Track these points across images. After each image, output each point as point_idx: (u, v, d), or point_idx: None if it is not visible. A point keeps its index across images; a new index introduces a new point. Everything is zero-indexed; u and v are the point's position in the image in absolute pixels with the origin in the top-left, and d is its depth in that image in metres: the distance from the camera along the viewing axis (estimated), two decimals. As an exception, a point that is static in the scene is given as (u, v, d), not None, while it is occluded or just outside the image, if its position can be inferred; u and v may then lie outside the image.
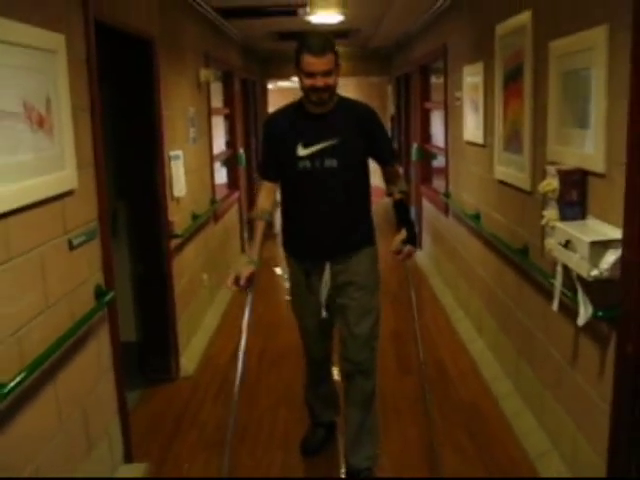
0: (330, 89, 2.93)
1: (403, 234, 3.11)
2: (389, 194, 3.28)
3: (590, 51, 2.71)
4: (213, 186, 6.13)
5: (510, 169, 3.92)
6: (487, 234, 4.42)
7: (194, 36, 5.52)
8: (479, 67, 4.63)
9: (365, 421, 3.20)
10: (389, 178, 3.26)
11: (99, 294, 3.04)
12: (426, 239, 7.58)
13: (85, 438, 2.90)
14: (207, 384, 4.44)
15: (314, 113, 3.03)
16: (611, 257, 2.47)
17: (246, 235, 8.02)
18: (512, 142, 3.88)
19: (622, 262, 2.45)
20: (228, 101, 7.54)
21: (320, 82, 2.88)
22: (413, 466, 3.37)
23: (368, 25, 7.80)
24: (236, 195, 7.64)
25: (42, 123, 2.48)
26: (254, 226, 3.20)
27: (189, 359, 4.69)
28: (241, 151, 8.07)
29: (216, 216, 6.21)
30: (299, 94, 3.09)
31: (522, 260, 3.62)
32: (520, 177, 3.69)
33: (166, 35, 4.46)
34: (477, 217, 4.73)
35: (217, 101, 6.96)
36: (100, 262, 3.12)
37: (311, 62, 2.85)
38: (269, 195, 3.21)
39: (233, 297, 6.12)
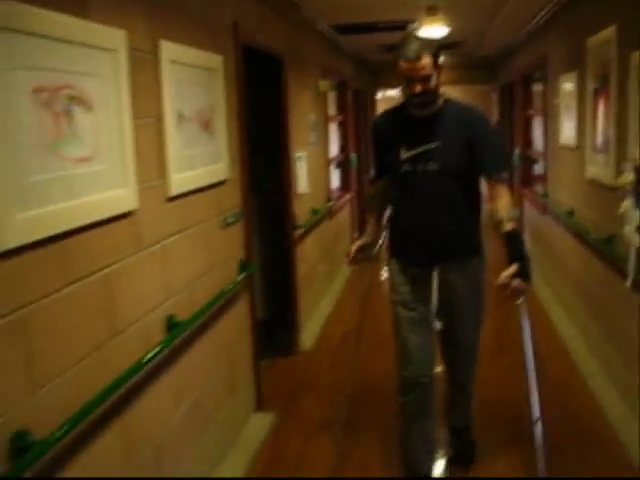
0: (429, 93, 2.86)
1: (513, 268, 2.70)
2: (497, 222, 2.86)
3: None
4: (329, 186, 6.79)
5: (598, 168, 4.36)
6: (579, 227, 4.85)
7: (314, 51, 6.20)
8: (573, 76, 5.08)
9: (468, 400, 3.39)
10: (496, 197, 2.92)
11: (242, 267, 3.71)
12: (525, 236, 8.00)
13: (230, 383, 3.57)
14: (322, 357, 5.07)
15: (417, 115, 2.99)
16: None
17: (355, 235, 8.65)
18: (601, 144, 4.33)
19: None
20: (341, 109, 8.19)
21: (417, 88, 2.82)
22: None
23: (472, 37, 8.28)
24: (348, 196, 8.29)
25: (207, 126, 3.17)
26: (369, 211, 3.37)
27: (308, 336, 5.35)
28: (353, 155, 8.72)
29: (331, 213, 6.86)
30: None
31: (606, 248, 4.06)
32: (606, 174, 4.13)
33: (292, 52, 5.14)
34: (571, 213, 5.16)
35: (332, 109, 7.62)
36: (243, 241, 3.80)
37: (406, 68, 2.81)
38: (381, 194, 3.25)
39: (345, 288, 6.76)
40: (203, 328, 3.10)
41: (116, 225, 2.27)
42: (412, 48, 2.78)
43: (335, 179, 7.96)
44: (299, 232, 5.26)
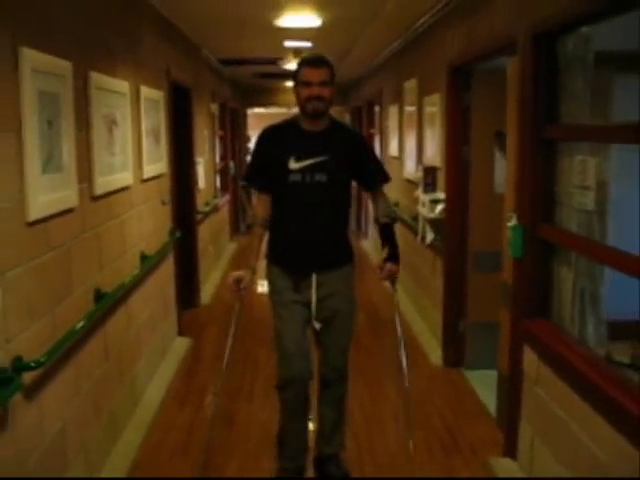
0: (325, 100, 3.12)
1: (384, 252, 3.28)
2: (376, 219, 3.45)
3: (431, 107, 5.27)
4: (216, 186, 8.62)
5: (409, 170, 6.46)
6: (400, 213, 6.94)
7: (207, 80, 8.02)
8: (396, 107, 7.22)
9: (340, 417, 3.51)
10: (376, 202, 3.45)
11: (171, 232, 5.47)
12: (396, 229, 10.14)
13: (165, 309, 5.31)
14: (217, 308, 6.89)
15: (308, 129, 3.21)
16: (439, 207, 5.00)
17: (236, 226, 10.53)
18: (410, 154, 6.44)
19: (445, 210, 4.98)
20: (222, 125, 10.01)
21: (316, 91, 3.07)
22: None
23: (333, 60, 10.31)
24: (227, 196, 10.12)
25: (157, 137, 4.94)
26: (252, 234, 3.41)
27: (205, 295, 7.15)
28: (231, 163, 10.57)
29: (217, 208, 8.68)
30: (270, 119, 3.56)
31: (413, 223, 6.11)
32: (412, 174, 6.23)
33: (195, 83, 6.94)
34: (396, 204, 7.24)
35: (215, 125, 9.43)
36: (171, 215, 5.56)
37: (309, 72, 3.09)
38: (265, 205, 3.30)
39: (229, 265, 8.62)
40: (155, 266, 4.85)
41: (124, 192, 4.02)
42: (316, 58, 3.17)
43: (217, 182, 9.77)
44: (199, 217, 7.05)
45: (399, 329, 3.31)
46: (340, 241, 3.36)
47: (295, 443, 3.41)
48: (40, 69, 2.63)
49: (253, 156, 3.40)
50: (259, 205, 3.35)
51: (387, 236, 3.36)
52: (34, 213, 2.58)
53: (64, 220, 2.96)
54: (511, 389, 3.58)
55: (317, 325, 3.29)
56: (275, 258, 3.34)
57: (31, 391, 2.59)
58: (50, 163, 2.76)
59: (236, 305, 3.32)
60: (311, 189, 3.17)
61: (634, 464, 2.32)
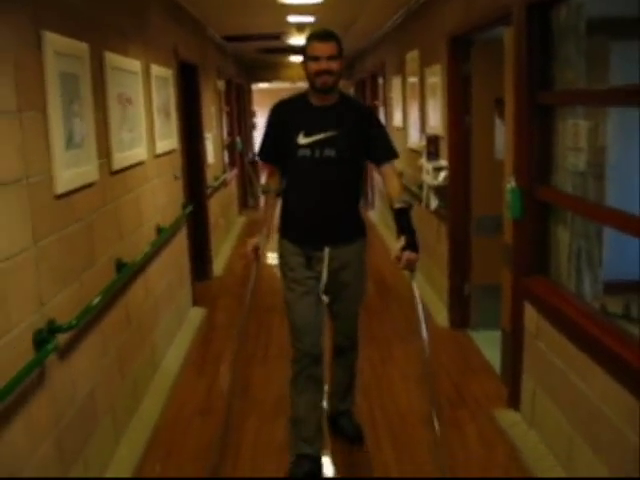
0: (334, 74, 3.11)
1: (402, 241, 3.09)
2: (390, 204, 3.30)
3: (433, 77, 5.41)
4: (224, 161, 8.79)
5: (413, 140, 6.61)
6: (406, 182, 7.07)
7: (213, 58, 8.15)
8: (399, 78, 7.34)
9: (352, 380, 3.70)
10: (389, 183, 3.30)
11: (184, 206, 5.65)
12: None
13: (180, 278, 5.51)
14: (229, 279, 7.11)
15: (317, 104, 3.23)
16: (443, 174, 5.16)
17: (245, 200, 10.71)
18: (414, 123, 6.58)
19: (449, 178, 5.14)
20: (228, 101, 10.14)
21: (324, 65, 3.06)
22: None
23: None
24: (235, 171, 10.28)
25: (167, 114, 5.10)
26: (265, 202, 3.48)
27: (217, 267, 7.35)
28: (238, 139, 10.72)
29: (225, 182, 8.85)
30: (275, 94, 3.80)
31: (418, 191, 6.26)
32: (416, 143, 6.37)
33: (202, 60, 7.08)
34: (401, 174, 7.37)
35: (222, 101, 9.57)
36: (183, 190, 5.73)
37: (317, 46, 3.09)
38: (276, 177, 3.37)
39: (238, 238, 8.81)
40: (170, 238, 5.04)
41: (139, 167, 4.20)
42: (325, 32, 3.15)
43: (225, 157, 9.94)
44: (209, 191, 7.22)
45: (420, 314, 3.13)
46: (351, 216, 3.35)
47: (311, 422, 3.35)
48: (61, 51, 2.80)
49: (265, 131, 3.39)
50: (270, 177, 3.42)
51: (403, 224, 3.17)
52: (61, 186, 2.76)
53: (86, 193, 3.14)
54: (513, 344, 3.77)
55: (325, 298, 3.31)
56: (286, 233, 3.35)
57: (64, 352, 2.78)
58: (72, 140, 2.93)
59: (252, 271, 3.38)
60: (320, 164, 3.18)
61: (628, 408, 2.50)
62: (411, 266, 3.12)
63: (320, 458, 3.40)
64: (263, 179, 3.46)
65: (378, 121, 3.48)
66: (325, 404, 3.64)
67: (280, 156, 3.29)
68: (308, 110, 3.24)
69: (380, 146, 3.32)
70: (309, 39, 3.17)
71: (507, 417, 3.80)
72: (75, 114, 2.98)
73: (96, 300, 3.08)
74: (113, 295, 3.43)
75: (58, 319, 2.67)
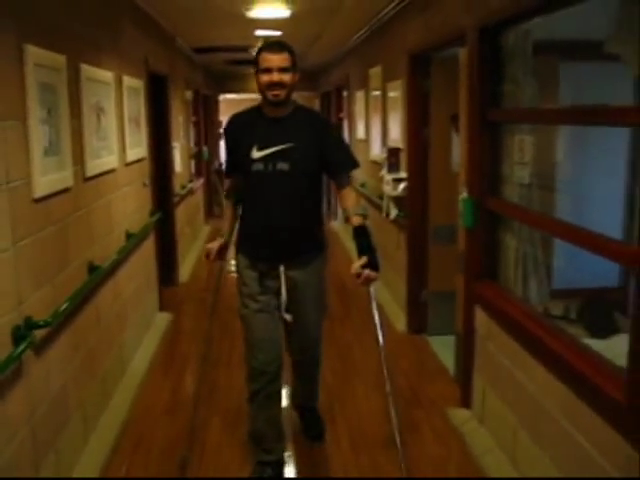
0: (286, 87, 3.04)
1: (363, 260, 3.03)
2: (346, 218, 3.26)
3: (394, 92, 5.65)
4: (190, 170, 8.94)
5: (375, 152, 6.84)
6: (368, 192, 7.30)
7: (181, 69, 8.32)
8: (362, 92, 7.58)
9: (314, 385, 3.74)
10: (343, 195, 3.26)
11: (152, 213, 5.80)
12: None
13: (147, 285, 5.66)
14: (194, 286, 7.26)
15: (271, 116, 3.14)
16: (402, 185, 5.40)
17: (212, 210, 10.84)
18: (376, 136, 6.82)
19: (408, 188, 5.38)
20: (195, 111, 10.30)
21: (276, 77, 2.98)
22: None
23: (302, 47, 10.65)
24: (201, 180, 10.44)
25: (137, 123, 5.26)
26: (225, 205, 3.50)
27: (183, 274, 7.49)
28: (205, 148, 10.88)
29: (192, 191, 9.00)
30: (242, 105, 3.49)
31: (378, 200, 6.49)
32: (377, 155, 6.60)
33: (171, 71, 7.25)
34: (363, 185, 7.62)
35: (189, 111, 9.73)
36: (152, 197, 5.89)
37: (268, 58, 3.01)
38: (235, 183, 3.39)
39: (203, 246, 8.96)
40: (139, 243, 5.19)
41: (110, 175, 4.35)
42: (275, 42, 3.10)
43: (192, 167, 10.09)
44: (176, 199, 7.38)
45: (377, 322, 3.17)
46: (308, 232, 3.27)
47: (270, 434, 3.34)
48: (41, 63, 2.96)
49: (225, 148, 3.39)
50: (230, 184, 3.44)
51: (363, 243, 3.10)
52: (39, 191, 2.92)
53: (62, 198, 3.30)
54: (465, 346, 4.00)
55: (288, 317, 3.32)
56: (241, 246, 3.33)
57: (39, 349, 2.93)
58: (50, 147, 3.09)
59: (216, 273, 3.46)
60: (273, 178, 3.11)
61: (564, 400, 2.73)
62: (369, 283, 3.11)
63: (282, 460, 3.44)
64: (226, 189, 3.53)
65: (335, 132, 3.43)
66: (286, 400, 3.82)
67: (239, 169, 3.27)
68: (262, 122, 3.17)
69: (336, 158, 3.22)
70: (260, 50, 3.09)
71: (459, 415, 4.02)
72: (52, 123, 3.14)
73: (70, 299, 3.23)
74: (84, 297, 3.58)
75: (34, 317, 2.82)
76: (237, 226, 3.40)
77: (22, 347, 2.63)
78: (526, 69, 3.48)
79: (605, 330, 2.34)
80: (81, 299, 3.49)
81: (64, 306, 3.14)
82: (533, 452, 3.07)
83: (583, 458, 2.55)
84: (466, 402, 4.02)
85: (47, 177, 3.04)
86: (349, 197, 3.25)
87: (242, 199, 3.30)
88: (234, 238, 3.44)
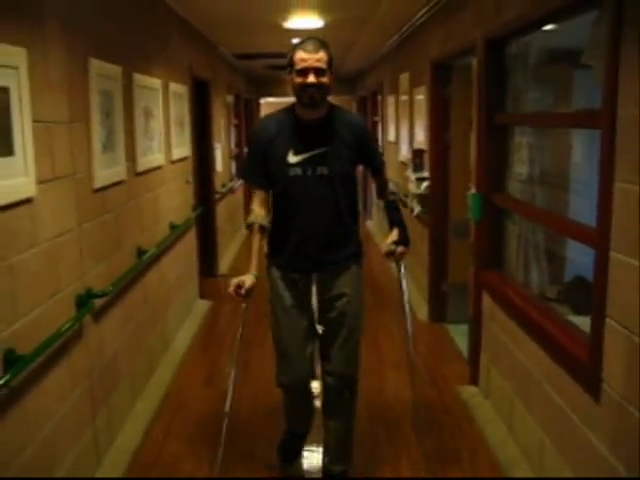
0: (323, 88, 2.88)
1: (394, 235, 3.05)
2: (380, 196, 3.33)
3: (420, 97, 6.07)
4: (231, 170, 9.48)
5: (403, 153, 7.27)
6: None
7: (223, 74, 8.86)
8: (393, 97, 8.02)
9: (349, 432, 3.30)
10: (380, 186, 3.31)
11: (194, 208, 6.31)
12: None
13: (189, 273, 6.16)
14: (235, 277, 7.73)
15: (306, 119, 2.99)
16: (425, 184, 5.82)
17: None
18: (405, 138, 7.25)
19: (430, 187, 5.80)
20: (237, 115, 10.83)
21: (312, 79, 2.82)
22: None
23: (337, 60, 11.12)
24: (241, 180, 10.94)
25: (182, 125, 5.77)
26: (251, 237, 3.15)
27: (223, 266, 8.01)
28: (246, 149, 11.39)
29: (232, 190, 9.52)
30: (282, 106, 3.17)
31: (407, 200, 6.91)
32: (404, 156, 7.02)
33: (213, 76, 7.78)
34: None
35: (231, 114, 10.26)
36: (194, 193, 6.40)
37: (303, 58, 2.82)
38: (263, 204, 3.12)
39: (243, 243, 9.48)
40: (182, 235, 5.70)
41: (158, 171, 4.86)
42: (312, 42, 2.87)
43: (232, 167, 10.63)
44: (217, 196, 7.90)
45: (407, 306, 3.22)
46: (347, 238, 3.12)
47: (303, 422, 3.44)
48: (101, 73, 3.48)
49: (250, 151, 3.21)
50: (257, 203, 3.12)
51: (395, 217, 3.16)
52: (98, 182, 3.44)
53: (116, 190, 3.81)
54: (474, 328, 4.41)
55: (320, 328, 3.16)
56: (275, 258, 3.15)
57: (96, 316, 3.44)
58: (107, 145, 3.60)
59: (242, 307, 3.12)
60: (313, 183, 2.97)
61: (551, 372, 3.11)
62: (400, 259, 3.15)
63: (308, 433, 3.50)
64: (252, 207, 3.15)
65: (369, 132, 3.36)
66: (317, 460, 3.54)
67: (267, 177, 3.05)
68: (296, 125, 3.01)
69: (376, 159, 3.25)
70: (294, 49, 2.91)
71: (467, 391, 4.43)
72: (109, 124, 3.65)
73: (123, 277, 3.73)
74: (134, 277, 4.08)
75: (94, 288, 3.32)
76: (268, 237, 3.19)
77: (84, 312, 3.13)
78: (528, 76, 3.88)
79: (587, 308, 2.70)
80: (131, 278, 3.99)
81: (118, 281, 3.64)
82: (525, 418, 3.46)
83: (559, 415, 2.94)
84: (474, 380, 4.43)
85: (105, 171, 3.55)
86: (385, 182, 3.31)
87: (272, 210, 3.15)
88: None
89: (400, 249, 3.09)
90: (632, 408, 2.26)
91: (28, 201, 2.62)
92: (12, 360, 2.43)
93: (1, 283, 2.42)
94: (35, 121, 2.64)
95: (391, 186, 3.33)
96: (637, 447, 2.22)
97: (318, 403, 3.51)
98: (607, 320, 2.47)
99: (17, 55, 2.49)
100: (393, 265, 3.35)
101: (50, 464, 2.83)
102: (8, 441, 2.46)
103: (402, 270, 3.23)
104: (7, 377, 2.33)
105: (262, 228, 3.11)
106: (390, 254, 3.09)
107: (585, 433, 2.65)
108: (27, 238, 2.64)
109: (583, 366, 2.66)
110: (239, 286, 3.02)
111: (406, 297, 3.25)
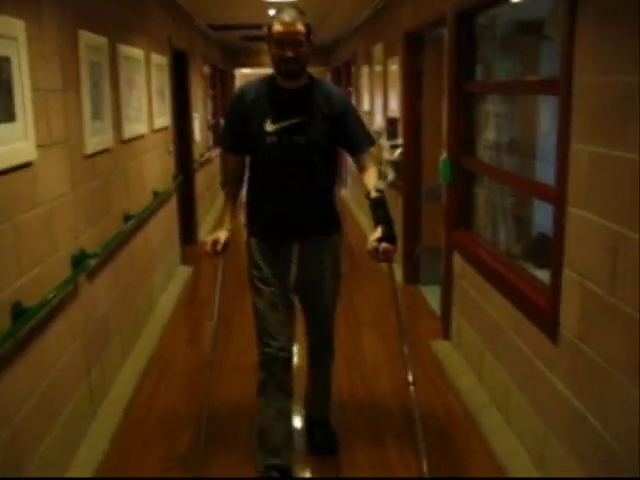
0: (300, 60, 2.87)
1: (379, 232, 2.82)
2: (367, 194, 2.97)
3: (393, 68, 6.28)
4: (208, 140, 9.63)
5: (370, 122, 7.48)
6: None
7: (199, 45, 8.97)
8: (367, 67, 8.21)
9: (328, 386, 3.48)
10: (364, 171, 3.03)
11: (175, 177, 6.48)
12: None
13: (171, 239, 6.35)
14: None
15: (285, 88, 2.98)
16: (398, 151, 6.05)
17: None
18: (379, 108, 7.45)
19: (403, 154, 6.02)
20: (213, 85, 10.95)
21: (289, 52, 2.82)
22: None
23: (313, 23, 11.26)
24: (218, 150, 11.10)
25: (162, 95, 5.92)
26: (225, 193, 3.24)
27: (202, 232, 8.20)
28: (222, 120, 11.52)
29: (209, 160, 9.68)
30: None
31: (381, 168, 7.14)
32: (382, 126, 7.24)
33: (190, 48, 7.90)
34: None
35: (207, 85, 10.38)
36: (174, 163, 6.57)
37: (280, 30, 2.80)
38: (237, 166, 3.16)
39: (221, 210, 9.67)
40: (163, 203, 5.88)
41: (141, 139, 5.03)
42: (289, 12, 2.82)
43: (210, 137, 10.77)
44: (195, 166, 8.06)
45: (400, 301, 3.12)
46: (324, 207, 3.12)
47: (278, 432, 3.12)
48: (90, 45, 3.64)
49: (227, 117, 3.20)
50: (231, 165, 3.19)
51: (379, 214, 2.90)
52: (89, 149, 3.62)
53: (104, 157, 3.99)
54: (445, 285, 4.67)
55: (294, 297, 3.18)
56: (252, 228, 3.14)
57: (90, 276, 3.64)
58: (95, 114, 3.77)
59: (219, 266, 3.22)
60: (289, 152, 2.95)
61: (515, 319, 3.38)
62: (388, 258, 2.86)
63: (290, 468, 3.17)
64: (227, 168, 3.27)
65: (351, 106, 3.22)
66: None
67: (246, 145, 3.06)
68: (275, 94, 2.99)
69: (355, 133, 3.06)
70: (272, 19, 2.87)
71: (439, 345, 4.70)
72: (98, 94, 3.82)
73: (112, 239, 3.93)
74: (122, 241, 4.28)
75: (87, 249, 3.52)
76: (243, 208, 3.19)
77: (79, 270, 3.33)
78: (496, 47, 4.11)
79: (548, 262, 2.93)
80: (119, 242, 4.18)
81: (107, 244, 3.83)
82: (494, 367, 3.74)
83: (524, 361, 3.21)
84: (446, 334, 4.70)
85: (94, 138, 3.73)
86: (372, 175, 3.02)
87: (249, 178, 3.14)
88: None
89: (384, 245, 2.81)
90: (584, 345, 2.53)
91: (28, 165, 2.80)
92: (18, 312, 2.63)
93: (8, 241, 2.61)
94: (34, 89, 2.82)
95: (379, 182, 3.07)
96: (591, 381, 2.49)
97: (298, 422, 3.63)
98: (564, 269, 2.73)
99: (17, 27, 2.66)
100: (384, 266, 3.15)
101: (50, 414, 3.04)
102: (17, 388, 2.68)
103: (394, 277, 3.12)
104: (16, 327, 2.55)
105: (236, 183, 3.17)
106: (374, 252, 2.84)
107: (547, 375, 2.92)
108: (28, 200, 2.83)
109: (544, 313, 2.92)
110: (215, 242, 3.09)
111: (403, 314, 3.15)
